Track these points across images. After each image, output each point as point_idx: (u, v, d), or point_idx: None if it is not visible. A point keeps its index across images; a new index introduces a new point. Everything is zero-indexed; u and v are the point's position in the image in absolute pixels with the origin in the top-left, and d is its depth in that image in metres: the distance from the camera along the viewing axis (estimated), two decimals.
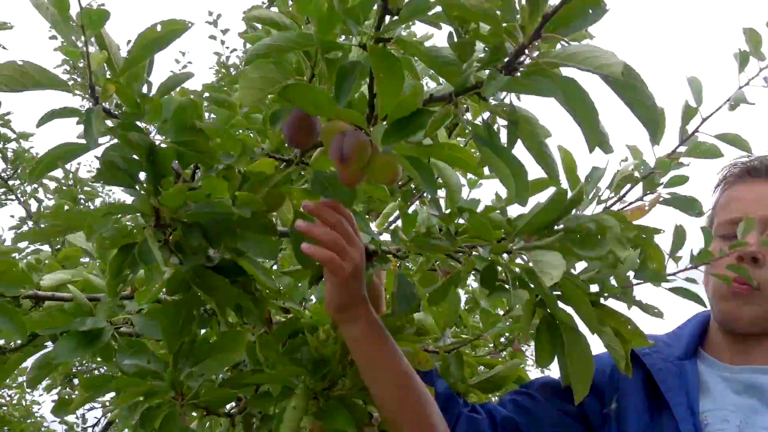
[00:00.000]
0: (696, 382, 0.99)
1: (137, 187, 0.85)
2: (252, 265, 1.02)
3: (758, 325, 0.99)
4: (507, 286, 0.84)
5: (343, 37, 0.80)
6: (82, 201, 2.95)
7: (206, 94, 0.93)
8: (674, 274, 0.88)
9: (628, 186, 1.01)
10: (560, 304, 0.85)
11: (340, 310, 0.91)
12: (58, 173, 2.89)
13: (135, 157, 0.83)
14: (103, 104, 0.83)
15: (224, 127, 0.93)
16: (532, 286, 0.82)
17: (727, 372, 1.00)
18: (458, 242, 0.87)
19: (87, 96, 0.82)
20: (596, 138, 0.67)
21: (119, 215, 0.88)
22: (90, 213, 0.86)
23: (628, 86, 0.65)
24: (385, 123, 0.76)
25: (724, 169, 1.09)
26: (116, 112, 0.85)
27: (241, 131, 0.96)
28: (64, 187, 2.85)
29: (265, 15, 0.84)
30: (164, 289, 1.13)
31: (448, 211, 0.91)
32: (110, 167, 0.82)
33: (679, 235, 0.87)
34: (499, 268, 0.85)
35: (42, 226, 0.84)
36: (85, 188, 2.96)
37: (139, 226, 0.91)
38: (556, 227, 0.82)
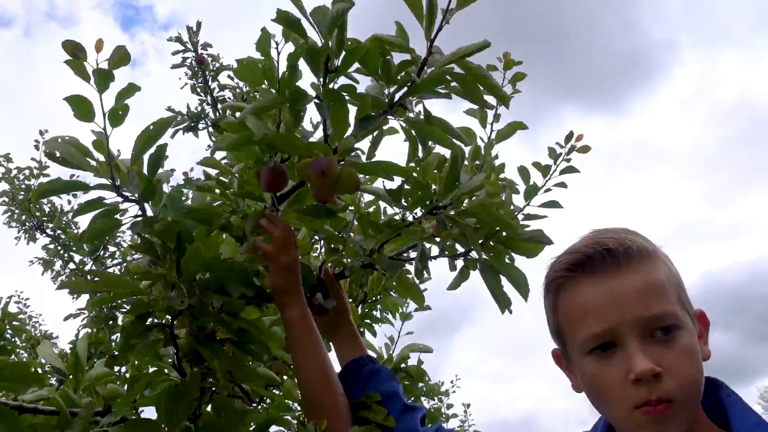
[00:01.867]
0: None
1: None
2: (246, 324, 1.21)
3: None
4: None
5: None
6: (8, 335, 2.84)
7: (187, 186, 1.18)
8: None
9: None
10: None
11: (278, 294, 1.17)
12: None
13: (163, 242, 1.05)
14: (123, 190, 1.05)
15: (205, 203, 1.19)
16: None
17: None
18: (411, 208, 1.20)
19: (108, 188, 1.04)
20: (486, 104, 1.07)
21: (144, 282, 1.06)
22: (123, 278, 1.04)
23: (481, 77, 1.07)
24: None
25: (552, 270, 0.92)
26: (132, 197, 1.07)
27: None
28: None
29: (236, 105, 1.15)
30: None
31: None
32: (147, 244, 1.04)
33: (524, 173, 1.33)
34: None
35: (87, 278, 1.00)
36: (14, 323, 2.88)
37: (156, 300, 1.08)
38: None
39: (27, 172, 4.12)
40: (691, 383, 0.81)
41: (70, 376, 1.29)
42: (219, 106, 3.85)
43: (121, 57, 0.96)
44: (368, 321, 1.87)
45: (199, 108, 3.86)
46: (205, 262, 1.08)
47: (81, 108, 1.00)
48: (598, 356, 0.84)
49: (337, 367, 1.28)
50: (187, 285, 1.08)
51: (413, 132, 1.15)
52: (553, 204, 1.43)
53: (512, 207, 1.38)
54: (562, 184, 1.47)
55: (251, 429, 1.25)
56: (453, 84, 1.05)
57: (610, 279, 0.83)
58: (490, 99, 1.13)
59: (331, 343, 1.34)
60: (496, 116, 1.63)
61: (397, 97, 1.09)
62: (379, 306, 1.94)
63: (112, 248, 3.80)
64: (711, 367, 0.87)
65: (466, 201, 1.22)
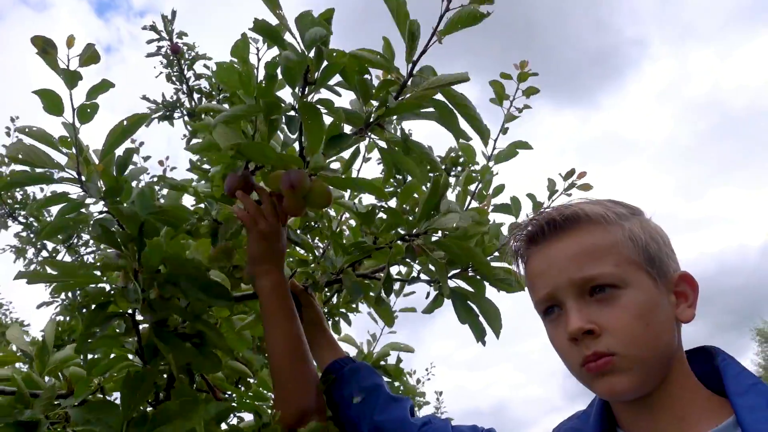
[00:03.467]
0: None
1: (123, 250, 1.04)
2: (207, 327, 1.20)
3: (643, 388, 0.83)
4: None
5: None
6: None
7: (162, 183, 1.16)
8: None
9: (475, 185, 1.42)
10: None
11: (254, 262, 1.15)
12: None
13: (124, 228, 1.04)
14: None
15: (177, 203, 1.17)
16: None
17: None
18: (383, 238, 1.19)
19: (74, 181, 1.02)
20: (463, 134, 1.07)
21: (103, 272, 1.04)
22: (84, 265, 1.02)
23: (462, 106, 1.07)
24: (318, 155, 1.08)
25: (511, 244, 0.97)
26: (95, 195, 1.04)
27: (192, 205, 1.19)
28: None
29: (213, 107, 1.13)
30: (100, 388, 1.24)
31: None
32: (107, 232, 1.01)
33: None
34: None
35: (44, 269, 0.98)
36: None
37: (117, 290, 1.07)
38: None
39: None
40: (635, 337, 0.81)
41: (36, 359, 1.28)
42: (195, 95, 3.82)
43: (90, 56, 0.94)
44: (343, 310, 1.83)
45: (175, 97, 3.82)
46: (165, 258, 1.07)
47: (50, 102, 0.98)
48: (550, 320, 0.88)
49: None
50: (148, 277, 1.06)
51: (389, 156, 1.14)
52: None
53: (499, 240, 1.34)
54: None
55: (210, 418, 1.25)
56: (431, 110, 1.05)
57: (549, 247, 0.88)
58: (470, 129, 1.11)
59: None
60: (504, 129, 1.61)
61: (374, 116, 1.08)
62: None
63: (85, 236, 3.73)
64: None
65: (439, 232, 1.18)
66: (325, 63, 1.04)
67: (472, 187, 1.43)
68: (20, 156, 0.94)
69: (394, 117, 1.09)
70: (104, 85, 1.00)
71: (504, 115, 1.58)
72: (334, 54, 1.04)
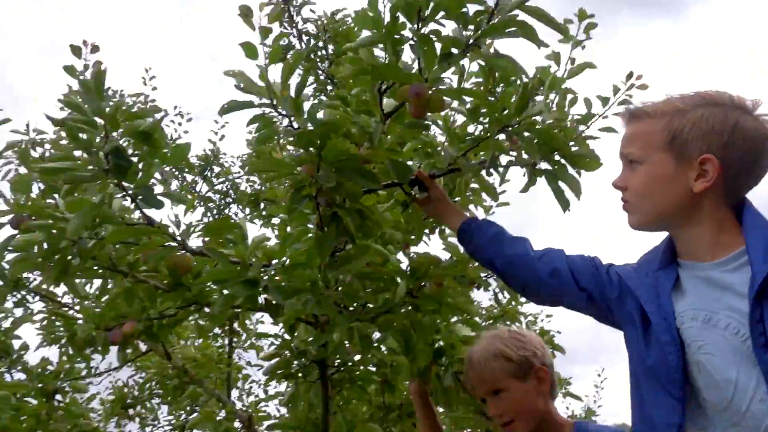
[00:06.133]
0: (668, 288, 1.17)
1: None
2: (363, 206, 1.65)
3: (646, 224, 1.25)
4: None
5: None
6: None
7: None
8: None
9: None
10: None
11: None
12: None
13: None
14: None
15: (333, 117, 1.61)
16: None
17: (697, 270, 1.16)
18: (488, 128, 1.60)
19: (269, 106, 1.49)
20: (541, 42, 1.42)
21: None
22: (282, 160, 1.49)
23: (541, 15, 1.42)
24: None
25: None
26: (286, 113, 1.51)
27: None
28: None
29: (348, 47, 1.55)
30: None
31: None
32: (296, 134, 1.48)
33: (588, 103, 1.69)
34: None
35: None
36: None
37: (306, 177, 1.53)
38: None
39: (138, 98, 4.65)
40: (638, 194, 1.22)
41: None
42: (303, 38, 4.27)
43: (276, 14, 1.38)
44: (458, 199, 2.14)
45: (286, 41, 4.28)
46: (339, 153, 1.48)
47: (249, 50, 1.44)
48: None
49: None
50: (327, 167, 1.48)
51: (486, 67, 1.53)
52: (610, 129, 1.78)
53: (576, 129, 1.73)
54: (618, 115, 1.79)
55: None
56: (514, 29, 1.39)
57: (624, 128, 1.27)
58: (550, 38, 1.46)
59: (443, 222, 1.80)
60: (571, 59, 1.90)
61: (472, 39, 1.45)
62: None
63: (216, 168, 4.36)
64: None
65: (530, 122, 1.57)
66: (432, 3, 1.42)
67: (552, 96, 1.79)
68: (240, 84, 1.41)
69: (488, 39, 1.45)
70: (281, 35, 1.45)
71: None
72: None
